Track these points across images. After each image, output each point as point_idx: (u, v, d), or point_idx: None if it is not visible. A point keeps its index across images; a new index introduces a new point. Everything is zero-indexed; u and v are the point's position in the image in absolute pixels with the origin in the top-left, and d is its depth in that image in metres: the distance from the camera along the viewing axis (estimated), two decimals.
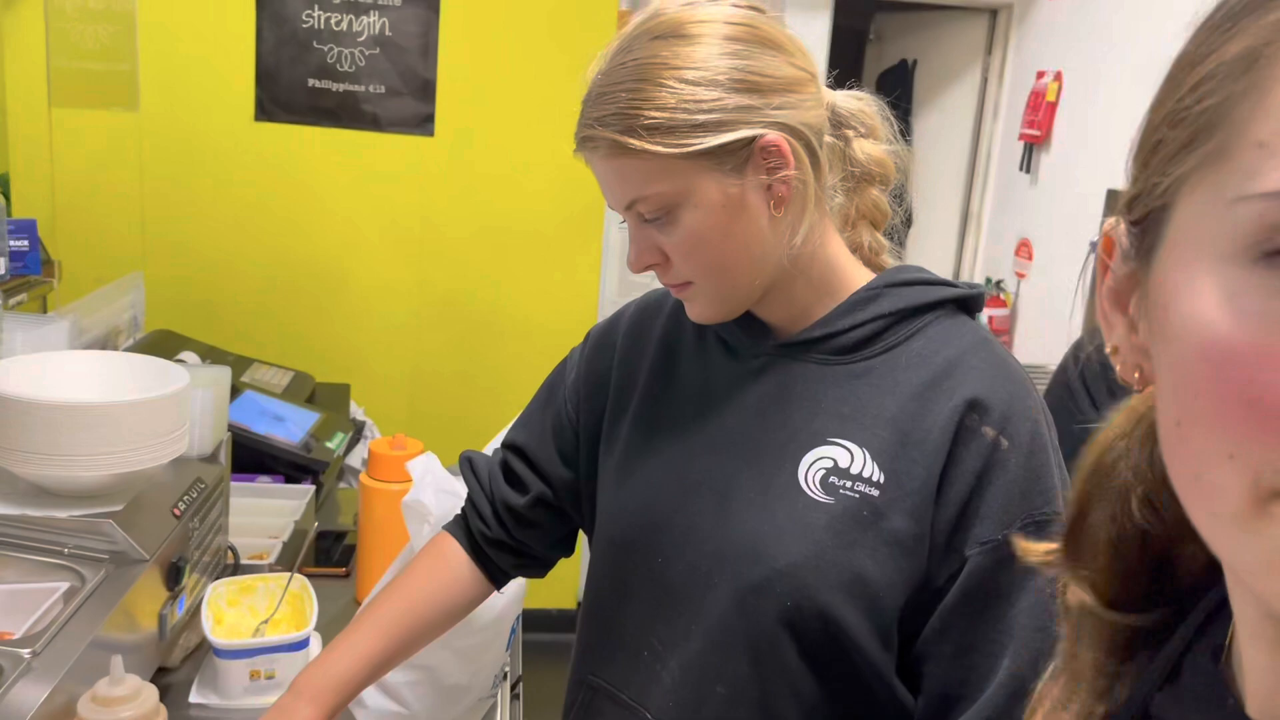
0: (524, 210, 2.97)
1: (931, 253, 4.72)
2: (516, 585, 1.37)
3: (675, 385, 0.96)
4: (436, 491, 1.30)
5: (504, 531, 1.07)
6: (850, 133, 0.91)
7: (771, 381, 0.90)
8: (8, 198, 2.55)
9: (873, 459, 0.83)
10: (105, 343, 2.06)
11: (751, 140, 0.81)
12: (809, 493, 0.84)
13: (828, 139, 0.87)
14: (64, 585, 1.11)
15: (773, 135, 0.81)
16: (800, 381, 0.89)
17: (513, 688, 1.51)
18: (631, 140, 0.80)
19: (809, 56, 0.86)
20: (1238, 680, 0.43)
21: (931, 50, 5.04)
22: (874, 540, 0.82)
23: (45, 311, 1.97)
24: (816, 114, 0.85)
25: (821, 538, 0.83)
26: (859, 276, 0.90)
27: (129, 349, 2.08)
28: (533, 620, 2.01)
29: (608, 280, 3.18)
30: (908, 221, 4.70)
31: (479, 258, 2.99)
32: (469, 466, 1.10)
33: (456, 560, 1.07)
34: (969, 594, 0.81)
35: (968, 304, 0.91)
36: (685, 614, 0.89)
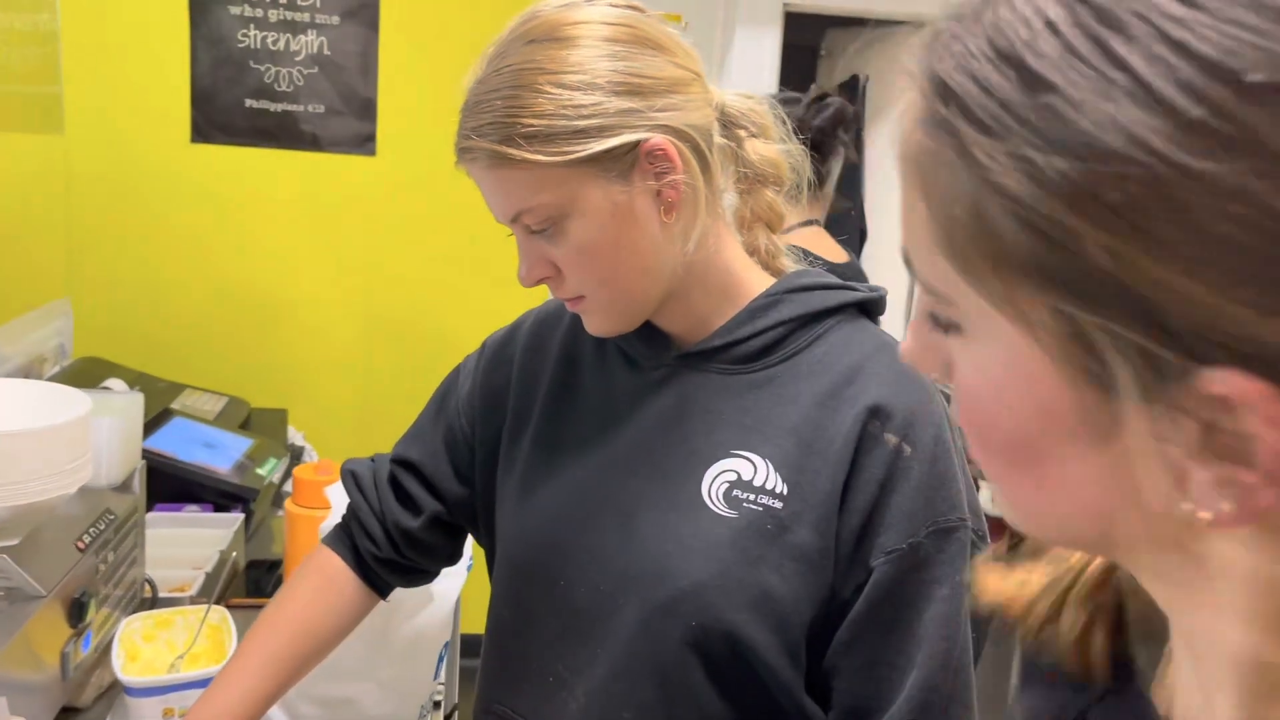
0: (470, 230, 2.93)
1: (887, 265, 4.73)
2: (444, 611, 1.33)
3: (576, 399, 0.93)
4: None
5: (395, 552, 1.02)
6: (742, 133, 0.88)
7: (672, 394, 0.87)
8: None
9: (775, 470, 0.81)
10: (28, 371, 1.99)
11: (636, 145, 0.78)
12: (712, 507, 0.82)
13: (718, 140, 0.84)
14: None
15: (658, 139, 0.78)
16: (701, 393, 0.86)
17: (447, 716, 1.46)
18: (510, 150, 0.77)
19: (693, 55, 0.83)
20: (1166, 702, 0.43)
21: (884, 65, 5.08)
22: (779, 555, 0.80)
23: None
24: (703, 114, 0.82)
25: (726, 555, 0.80)
26: (758, 282, 0.88)
27: (53, 377, 2.02)
28: (472, 646, 1.96)
29: None
30: (863, 235, 4.71)
31: (426, 278, 2.95)
32: (353, 481, 1.05)
33: (342, 580, 1.03)
34: (876, 605, 0.79)
35: (869, 308, 0.89)
36: (591, 639, 0.85)
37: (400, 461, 1.04)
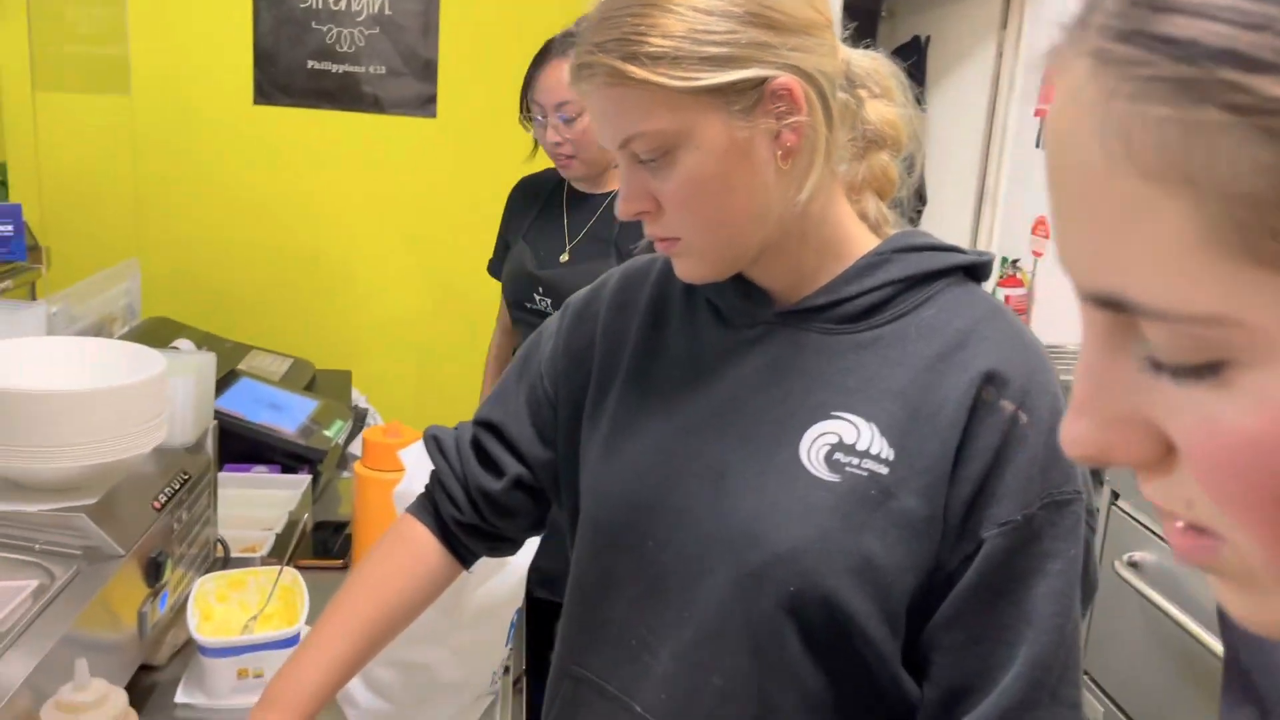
0: None
1: (946, 231, 4.62)
2: (515, 579, 1.31)
3: (664, 357, 0.90)
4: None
5: (478, 516, 1.00)
6: (864, 93, 0.84)
7: (769, 352, 0.84)
8: (5, 185, 2.51)
9: (881, 434, 0.78)
10: (99, 330, 2.00)
11: (763, 81, 0.75)
12: (812, 471, 0.79)
13: (840, 95, 0.81)
14: (33, 583, 1.05)
15: (786, 78, 0.75)
16: (801, 352, 0.83)
17: (515, 683, 1.45)
18: (633, 68, 0.74)
19: (827, 1, 0.80)
20: None
21: (945, 26, 4.94)
22: (883, 521, 0.77)
23: (34, 298, 1.92)
24: (831, 63, 0.79)
25: (826, 519, 0.77)
26: (865, 242, 0.85)
27: (124, 336, 2.03)
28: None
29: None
30: (921, 199, 4.62)
31: (484, 240, 2.92)
32: (436, 445, 1.03)
33: (425, 547, 1.01)
34: (985, 578, 0.76)
35: (976, 271, 0.86)
36: (677, 601, 0.83)
37: (482, 424, 1.02)
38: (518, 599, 1.35)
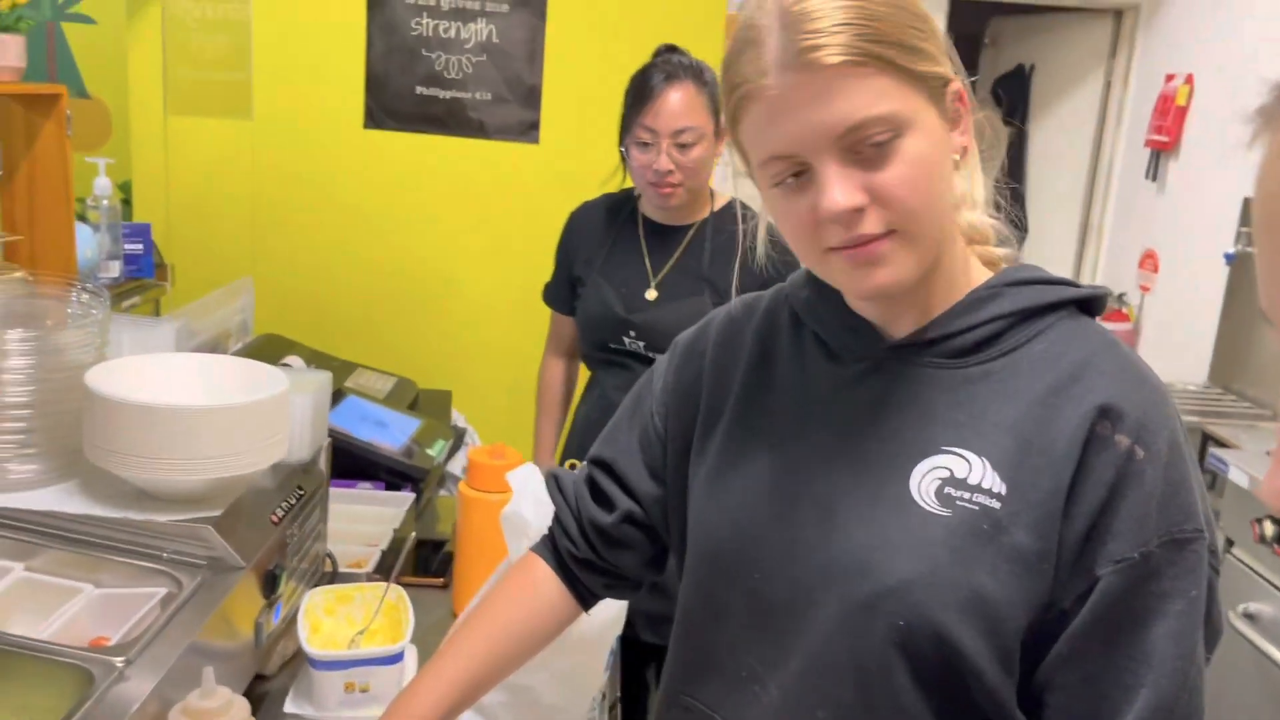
0: None
1: (1048, 264, 4.53)
2: (616, 606, 1.32)
3: (772, 391, 0.91)
4: (536, 504, 1.26)
5: (592, 551, 1.02)
6: None
7: (878, 386, 0.84)
8: (130, 204, 2.63)
9: (993, 469, 0.77)
10: (215, 346, 2.08)
11: (948, 82, 0.79)
12: (922, 504, 0.78)
13: None
14: (161, 591, 1.10)
15: (959, 83, 0.80)
16: (911, 386, 0.83)
17: (610, 709, 1.46)
18: (869, 45, 0.74)
19: None
20: None
21: (1050, 55, 4.85)
22: (994, 556, 0.76)
23: (158, 314, 2.00)
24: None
25: (937, 553, 0.77)
26: (976, 273, 0.85)
27: (237, 352, 2.10)
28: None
29: None
30: (1023, 231, 4.53)
31: None
32: (555, 484, 1.06)
33: (545, 582, 1.03)
34: (1101, 617, 0.74)
35: (1090, 305, 0.85)
36: (786, 633, 0.83)
37: (595, 461, 1.04)
38: (618, 626, 1.36)
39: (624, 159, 1.89)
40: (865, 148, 0.75)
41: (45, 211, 1.75)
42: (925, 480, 0.79)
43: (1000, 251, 0.88)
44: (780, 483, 0.86)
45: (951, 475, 0.78)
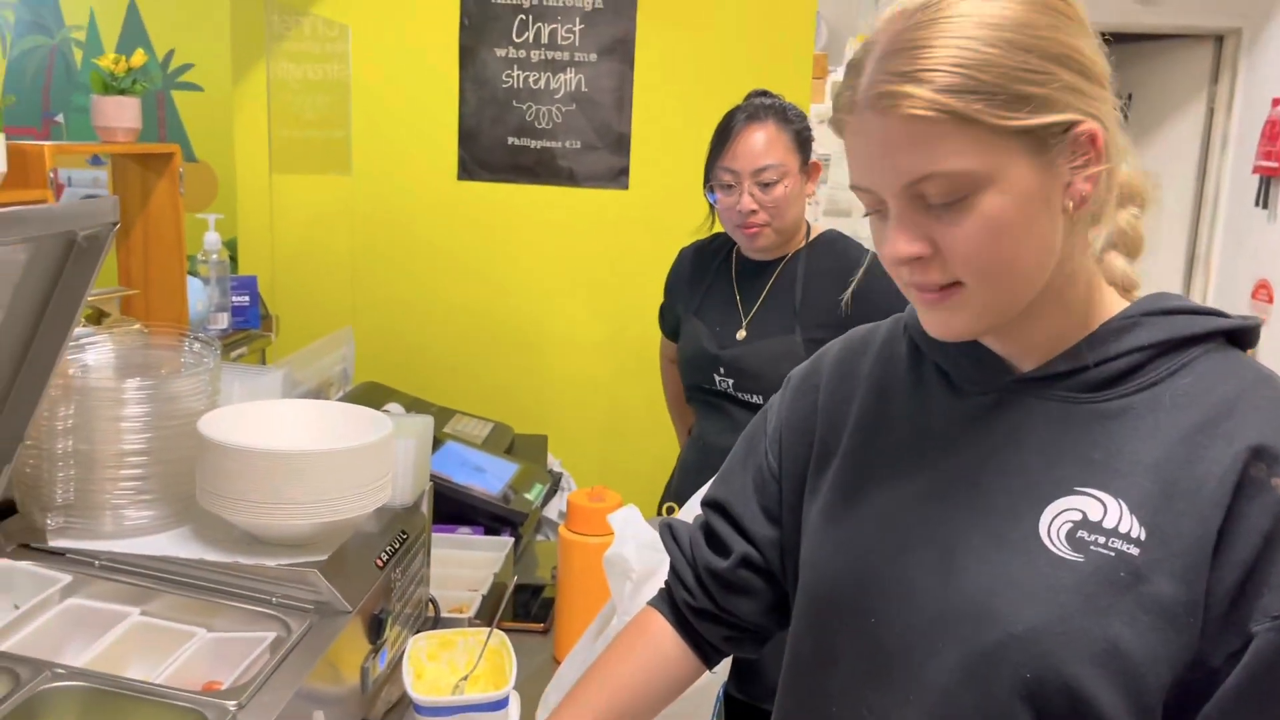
0: None
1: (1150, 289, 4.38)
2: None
3: (888, 427, 0.87)
4: (639, 546, 1.24)
5: (709, 600, 0.98)
6: None
7: (1004, 421, 0.79)
8: (235, 259, 2.72)
9: (1131, 512, 0.72)
10: (318, 394, 2.12)
11: (1070, 126, 0.71)
12: (1052, 549, 0.74)
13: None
14: (271, 635, 1.10)
15: (1093, 125, 0.72)
16: (1040, 421, 0.78)
17: None
18: (950, 100, 0.69)
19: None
20: None
21: (1149, 82, 4.73)
22: (1132, 606, 0.70)
23: (264, 364, 2.05)
24: (1117, 116, 0.76)
25: (1068, 600, 0.72)
26: (1112, 304, 0.80)
27: (340, 400, 2.14)
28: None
29: None
30: None
31: None
32: (669, 533, 1.03)
33: (663, 637, 0.99)
34: (1256, 678, 0.69)
35: (1240, 337, 0.79)
36: (902, 681, 0.78)
37: (710, 504, 1.01)
38: (723, 675, 1.32)
39: (711, 205, 1.89)
40: (936, 200, 0.72)
41: (159, 266, 1.82)
42: (1056, 522, 0.74)
43: (1136, 273, 0.84)
44: (897, 521, 0.82)
45: (1085, 518, 0.74)
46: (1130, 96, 4.87)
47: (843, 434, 0.90)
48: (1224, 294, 4.24)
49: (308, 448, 1.18)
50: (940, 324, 0.78)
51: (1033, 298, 0.76)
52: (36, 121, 3.63)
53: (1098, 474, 0.74)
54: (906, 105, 0.70)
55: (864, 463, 0.87)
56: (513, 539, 1.83)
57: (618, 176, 2.92)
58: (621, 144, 2.90)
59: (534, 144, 2.90)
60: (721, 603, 0.97)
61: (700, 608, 0.98)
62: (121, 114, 1.75)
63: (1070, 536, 0.73)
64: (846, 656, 0.84)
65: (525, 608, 1.74)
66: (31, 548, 1.18)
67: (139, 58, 1.81)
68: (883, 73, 0.72)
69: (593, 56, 2.85)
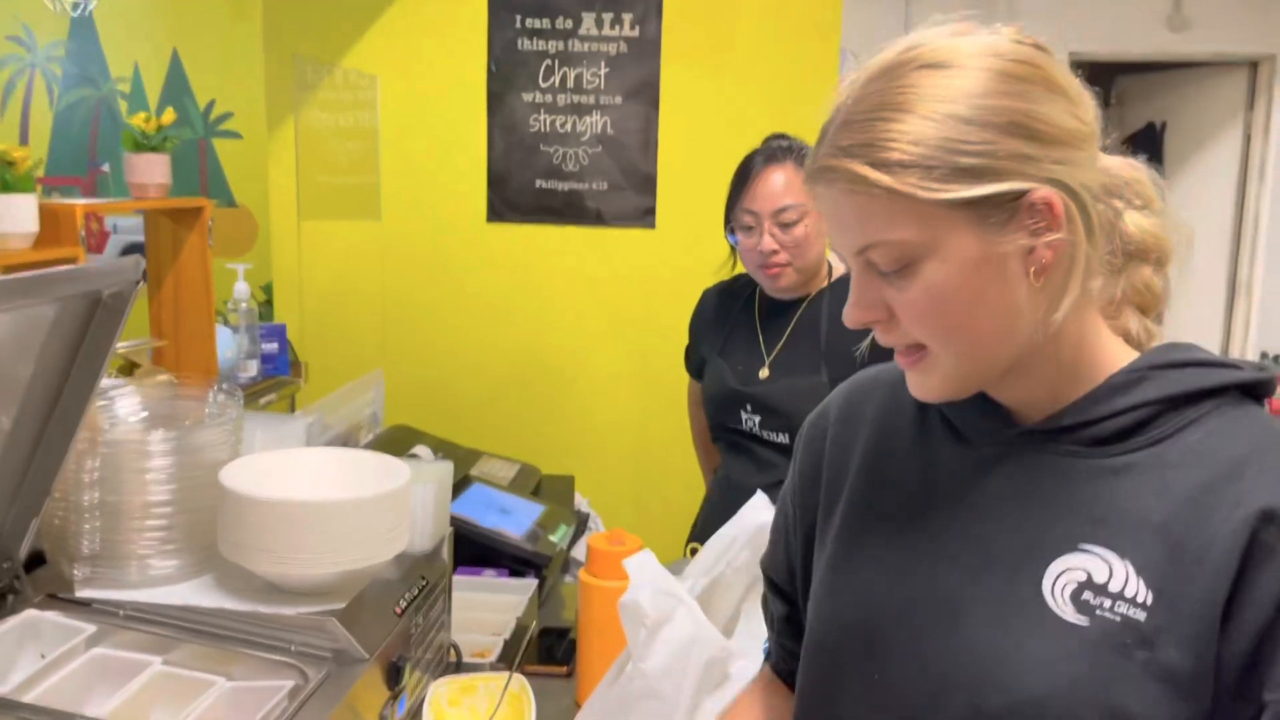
0: None
1: (1193, 331, 4.31)
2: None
3: (891, 474, 0.86)
4: (654, 593, 1.24)
5: (784, 659, 1.01)
6: (1120, 204, 0.79)
7: (1007, 474, 0.78)
8: (271, 303, 2.77)
9: (1138, 574, 0.70)
10: (347, 438, 2.15)
11: (1021, 194, 0.70)
12: (1057, 611, 0.72)
13: (1100, 206, 0.75)
14: (289, 684, 1.12)
15: (1046, 191, 0.70)
16: (1044, 476, 0.77)
17: None
18: (880, 175, 0.70)
19: (1093, 109, 0.75)
20: None
21: (1182, 110, 4.69)
22: (1139, 674, 0.69)
23: (293, 409, 2.08)
24: (1094, 175, 0.74)
25: (1075, 668, 0.70)
26: (1120, 357, 0.78)
27: (368, 444, 2.17)
28: None
29: None
30: (1158, 318, 4.35)
31: None
32: (763, 600, 1.06)
33: (775, 695, 1.02)
34: None
35: (1255, 389, 0.76)
36: None
37: (761, 565, 1.04)
38: None
39: (733, 246, 1.90)
40: (884, 269, 0.74)
41: (189, 316, 1.86)
42: (1060, 582, 0.73)
43: (1154, 328, 0.82)
44: (901, 577, 0.81)
45: (1090, 579, 0.72)
46: (1164, 125, 4.84)
47: (845, 483, 0.89)
48: (1267, 321, 4.17)
49: (322, 497, 1.19)
50: (917, 385, 0.79)
51: (1009, 358, 0.76)
52: (83, 171, 3.75)
53: (1103, 532, 0.73)
54: (844, 180, 0.72)
55: (867, 513, 0.86)
56: (537, 581, 1.83)
57: (644, 216, 2.95)
58: (648, 184, 2.93)
59: (562, 186, 2.94)
60: (792, 663, 0.97)
61: (781, 670, 1.02)
62: (152, 170, 1.81)
63: (1075, 598, 0.72)
64: (852, 712, 0.83)
65: (549, 650, 1.74)
66: (59, 598, 1.21)
67: (169, 116, 1.87)
68: (830, 145, 0.74)
69: (618, 99, 2.89)
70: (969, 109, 0.70)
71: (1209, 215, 4.49)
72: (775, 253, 1.80)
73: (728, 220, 1.88)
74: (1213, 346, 4.23)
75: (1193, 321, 4.33)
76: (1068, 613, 0.72)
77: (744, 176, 1.84)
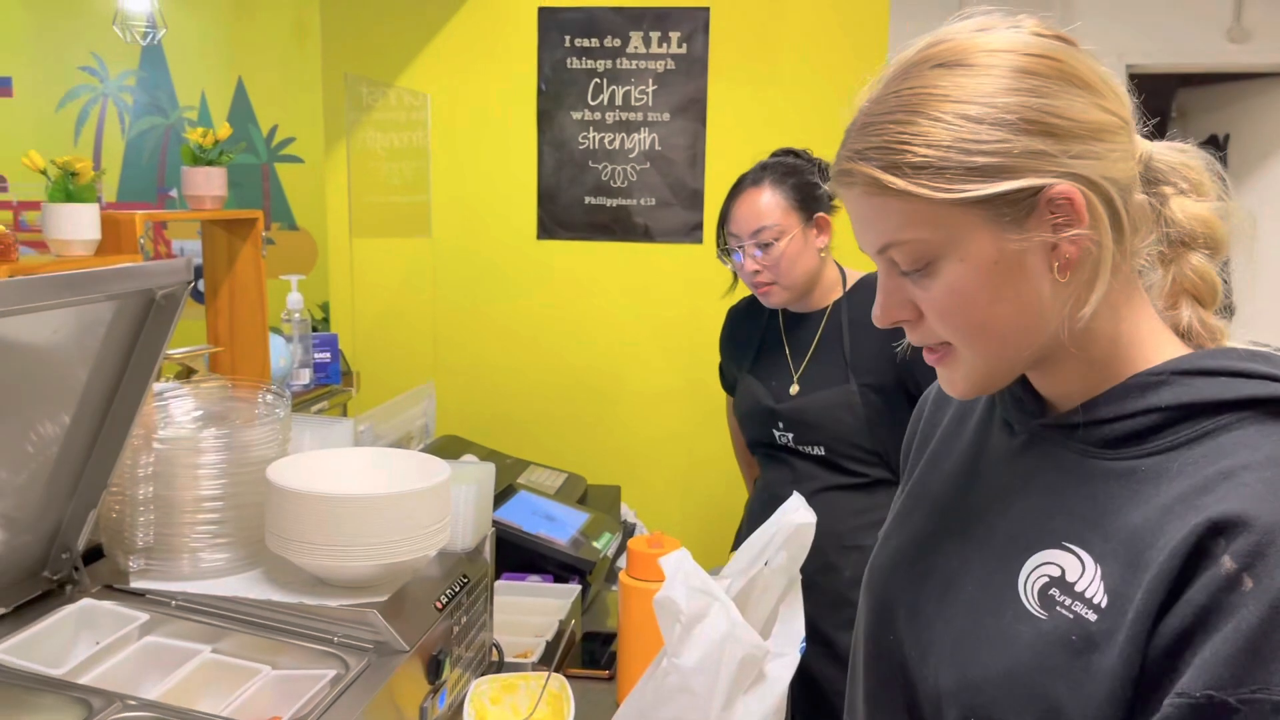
0: None
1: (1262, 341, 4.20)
2: (776, 694, 1.28)
3: (951, 453, 0.90)
4: (689, 590, 1.25)
5: None
6: (1168, 189, 0.77)
7: (1025, 463, 0.80)
8: (328, 320, 2.84)
9: (1102, 578, 0.70)
10: (399, 446, 2.19)
11: (1038, 190, 0.69)
12: (1024, 601, 0.74)
13: (1137, 197, 0.74)
14: (331, 673, 1.15)
15: (1065, 186, 0.69)
16: (1052, 469, 0.77)
17: None
18: (893, 179, 0.71)
19: (1124, 100, 0.73)
20: None
21: (1246, 122, 4.59)
22: (1080, 673, 0.68)
23: (345, 417, 2.13)
24: (1125, 168, 0.72)
25: (1020, 654, 0.72)
26: (1155, 355, 0.75)
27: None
28: None
29: None
30: (1228, 310, 4.25)
31: None
32: None
33: None
34: None
35: None
36: (904, 696, 0.83)
37: None
38: (780, 715, 1.31)
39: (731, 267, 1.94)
40: (905, 268, 0.74)
41: (243, 325, 1.92)
42: (1034, 575, 0.74)
43: (1216, 323, 0.79)
44: (925, 546, 0.86)
45: (1063, 576, 0.72)
46: (1227, 138, 4.74)
47: (922, 456, 0.94)
48: None
49: (363, 492, 1.23)
50: (946, 382, 0.80)
51: (1035, 354, 0.75)
52: (152, 196, 3.88)
53: (1084, 533, 0.72)
54: (860, 183, 0.73)
55: (922, 488, 0.91)
56: (580, 587, 1.85)
57: (692, 231, 2.97)
58: (695, 200, 2.95)
59: (610, 202, 2.97)
60: None
61: None
62: (209, 183, 1.87)
63: (1043, 592, 0.73)
64: (870, 670, 0.89)
65: (592, 655, 1.75)
66: (114, 588, 1.26)
67: (225, 130, 1.94)
68: (848, 148, 0.75)
69: (666, 116, 2.92)
70: (982, 108, 0.69)
71: (1275, 227, 4.38)
72: (758, 272, 1.83)
73: (716, 244, 1.92)
74: None
75: (1260, 338, 4.22)
76: (1033, 604, 0.73)
77: (728, 201, 1.88)
